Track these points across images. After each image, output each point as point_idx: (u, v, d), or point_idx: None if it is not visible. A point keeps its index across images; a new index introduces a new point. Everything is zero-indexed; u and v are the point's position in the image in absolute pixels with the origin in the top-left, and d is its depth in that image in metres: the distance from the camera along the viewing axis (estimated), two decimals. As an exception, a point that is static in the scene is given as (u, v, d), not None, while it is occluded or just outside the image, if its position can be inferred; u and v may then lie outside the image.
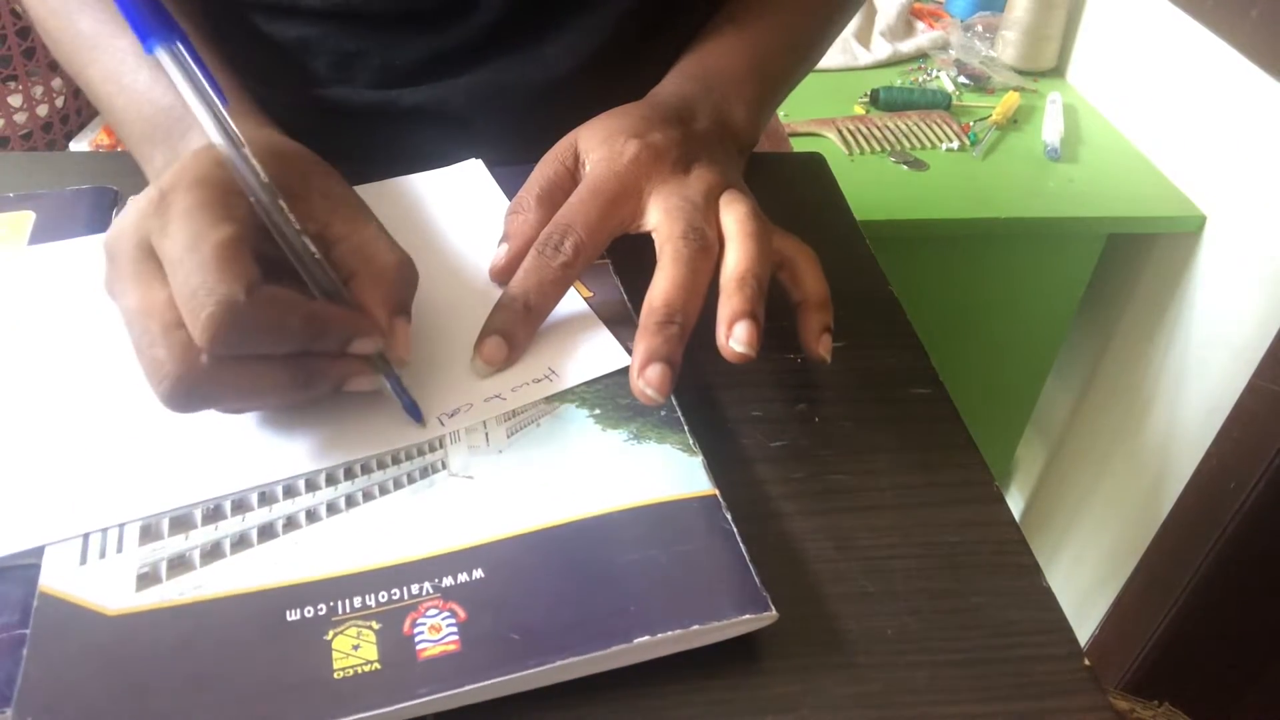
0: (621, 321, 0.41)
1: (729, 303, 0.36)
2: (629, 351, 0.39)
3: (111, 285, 0.33)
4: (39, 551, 0.31)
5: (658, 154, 0.41)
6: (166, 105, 0.42)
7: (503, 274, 0.41)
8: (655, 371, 0.35)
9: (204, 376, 0.31)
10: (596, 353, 0.39)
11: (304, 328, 0.33)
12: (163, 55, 0.32)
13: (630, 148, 0.41)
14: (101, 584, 0.30)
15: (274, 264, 0.34)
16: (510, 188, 0.47)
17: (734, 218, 0.39)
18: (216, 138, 0.33)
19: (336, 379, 0.35)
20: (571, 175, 0.42)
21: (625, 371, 0.38)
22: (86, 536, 0.31)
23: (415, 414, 0.36)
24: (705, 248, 0.38)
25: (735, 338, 0.35)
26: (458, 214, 0.47)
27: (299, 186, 0.36)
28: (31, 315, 0.40)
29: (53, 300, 0.40)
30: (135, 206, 0.33)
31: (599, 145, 0.42)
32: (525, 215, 0.41)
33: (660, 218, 0.39)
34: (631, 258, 0.42)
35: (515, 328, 0.38)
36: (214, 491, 0.33)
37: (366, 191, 0.47)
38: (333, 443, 0.35)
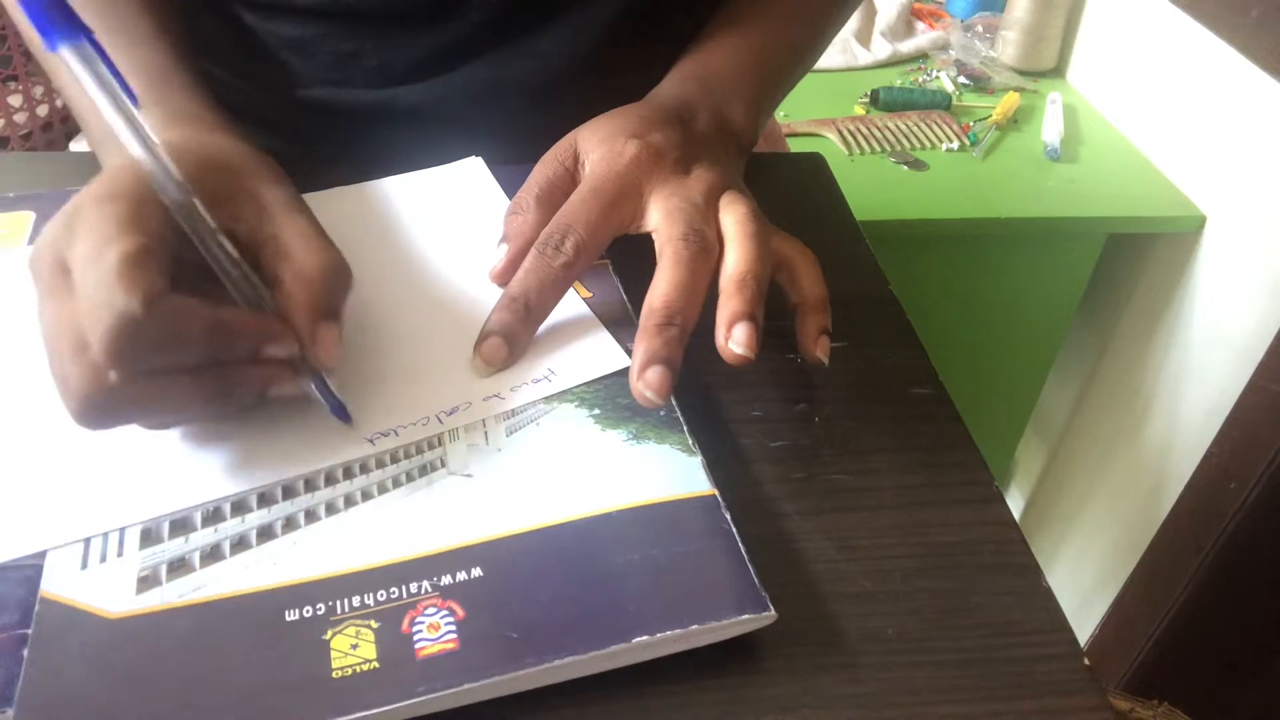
0: (621, 322, 0.41)
1: (728, 304, 0.36)
2: (628, 352, 0.39)
3: (37, 302, 0.33)
4: (40, 553, 0.31)
5: (658, 154, 0.41)
6: None
7: (503, 276, 0.41)
8: (655, 374, 0.35)
9: (113, 395, 0.30)
10: (596, 354, 0.39)
11: (209, 338, 0.32)
12: (67, 54, 0.31)
13: (630, 148, 0.41)
14: (102, 587, 0.30)
15: (204, 273, 0.33)
16: (510, 187, 0.47)
17: (733, 218, 0.39)
18: (127, 138, 0.32)
19: (256, 386, 0.33)
20: (571, 176, 0.42)
21: (625, 372, 0.38)
22: (88, 540, 0.31)
23: (343, 416, 0.35)
24: (705, 249, 0.38)
25: (734, 339, 0.35)
26: (457, 212, 0.47)
27: (229, 188, 0.36)
28: (32, 316, 0.39)
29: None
30: (53, 221, 0.33)
31: (599, 145, 0.42)
32: (525, 216, 0.41)
33: (660, 218, 0.39)
34: (631, 258, 0.42)
35: (516, 328, 0.38)
36: (213, 494, 0.33)
37: (366, 190, 0.47)
38: (332, 444, 0.35)
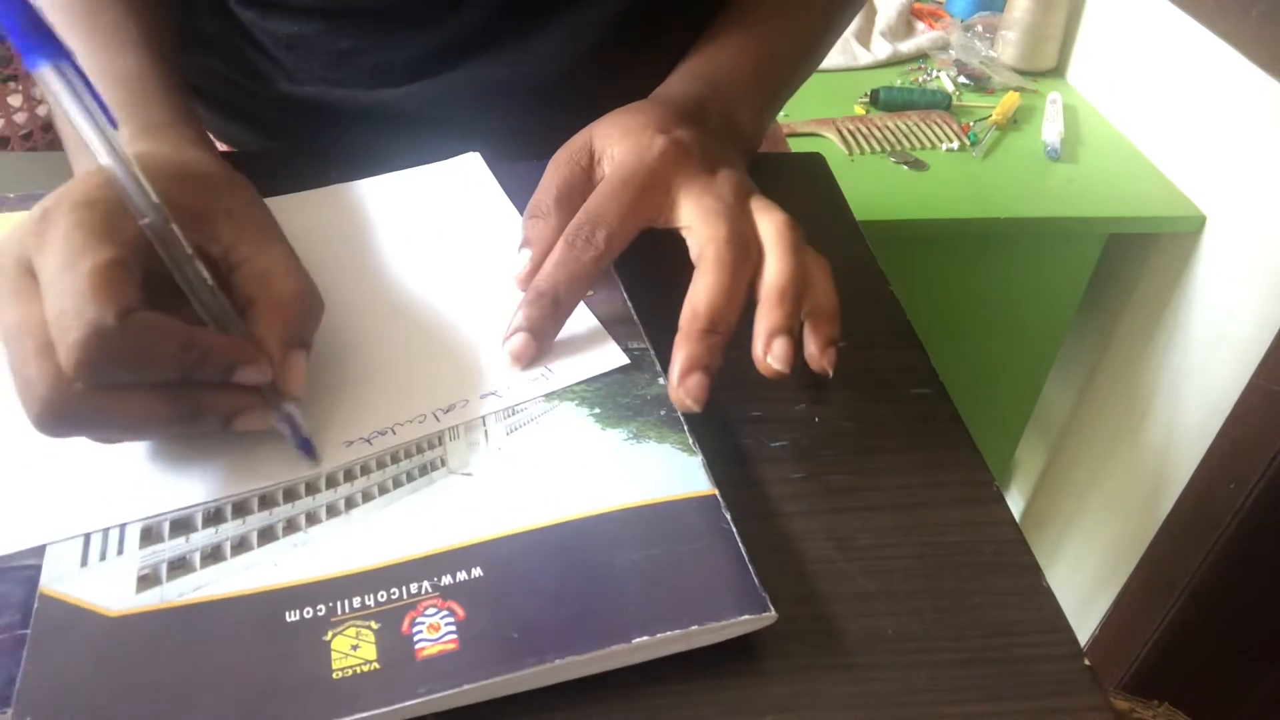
0: (621, 321, 0.41)
1: (769, 316, 0.36)
2: (627, 351, 0.39)
3: None
4: (40, 552, 0.31)
5: (685, 150, 0.41)
6: None
7: (527, 281, 0.40)
8: (696, 381, 0.35)
9: (75, 403, 0.30)
10: (594, 352, 0.39)
11: (181, 355, 0.31)
12: (47, 72, 0.30)
13: (658, 141, 0.40)
14: (102, 586, 0.30)
15: (173, 289, 0.32)
16: (508, 185, 0.47)
17: (774, 227, 0.39)
18: (104, 157, 0.31)
19: (223, 413, 0.33)
20: (588, 175, 0.42)
21: (624, 370, 0.38)
22: (88, 538, 0.31)
23: (308, 451, 0.34)
24: (748, 255, 0.38)
25: (774, 354, 0.36)
26: (456, 208, 0.46)
27: (205, 206, 0.35)
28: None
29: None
30: (19, 224, 0.32)
31: (621, 139, 0.41)
32: (545, 220, 0.41)
33: (697, 217, 0.39)
34: (631, 257, 0.42)
35: (544, 324, 0.38)
36: (214, 495, 0.33)
37: (364, 186, 0.47)
38: (332, 445, 0.35)
